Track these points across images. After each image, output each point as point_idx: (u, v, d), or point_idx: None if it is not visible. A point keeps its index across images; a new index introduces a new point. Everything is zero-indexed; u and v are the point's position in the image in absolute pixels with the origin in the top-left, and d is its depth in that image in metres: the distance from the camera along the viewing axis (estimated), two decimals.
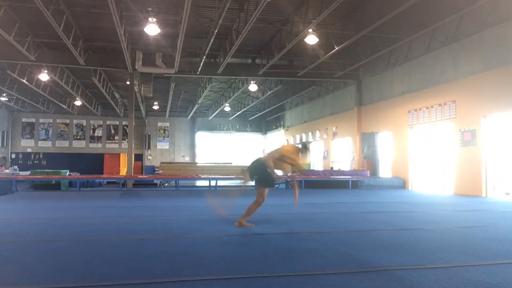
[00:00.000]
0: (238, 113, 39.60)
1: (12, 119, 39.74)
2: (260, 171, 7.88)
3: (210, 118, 42.69)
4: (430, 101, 18.69)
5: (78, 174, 24.81)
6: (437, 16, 15.70)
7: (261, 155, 8.88)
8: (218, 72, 22.45)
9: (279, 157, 7.99)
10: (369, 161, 23.42)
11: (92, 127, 42.23)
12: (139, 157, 40.97)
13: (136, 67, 21.57)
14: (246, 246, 5.99)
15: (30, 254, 5.45)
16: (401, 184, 20.56)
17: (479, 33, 16.06)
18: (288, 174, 9.42)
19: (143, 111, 38.04)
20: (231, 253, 5.45)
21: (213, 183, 21.29)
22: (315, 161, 31.82)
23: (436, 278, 4.22)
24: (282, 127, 40.50)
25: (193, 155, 44.33)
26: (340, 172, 22.49)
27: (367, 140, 23.94)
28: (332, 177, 21.85)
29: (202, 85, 29.76)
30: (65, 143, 41.31)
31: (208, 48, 18.80)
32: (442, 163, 18.40)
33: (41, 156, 40.43)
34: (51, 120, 40.98)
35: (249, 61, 23.97)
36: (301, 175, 8.85)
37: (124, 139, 41.22)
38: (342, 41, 18.15)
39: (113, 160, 41.65)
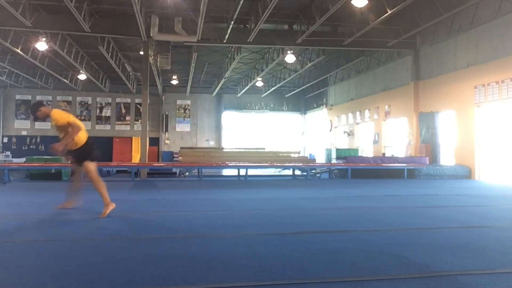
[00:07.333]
0: (273, 89, 39.99)
1: (3, 96, 40.34)
2: None
3: (239, 95, 43.26)
4: (500, 74, 18.85)
5: None
6: None
7: None
8: (248, 40, 22.83)
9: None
10: (428, 146, 23.69)
11: (99, 105, 42.87)
12: (155, 142, 41.56)
13: (151, 34, 21.82)
14: (282, 246, 6.08)
15: (25, 257, 5.50)
16: (466, 174, 20.86)
17: None
18: None
19: (159, 87, 38.78)
20: (264, 256, 5.53)
21: (242, 172, 21.77)
22: (364, 146, 32.30)
23: (508, 285, 4.30)
24: (324, 106, 40.86)
25: (219, 139, 44.89)
26: (393, 159, 22.86)
27: (425, 121, 24.21)
28: (384, 165, 22.29)
29: (229, 55, 30.01)
30: None
31: (237, 12, 19.12)
32: None
33: (38, 140, 40.88)
34: (50, 97, 41.32)
35: (286, 27, 24.33)
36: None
37: (137, 120, 41.91)
38: (396, 3, 18.30)
39: (124, 144, 41.87)
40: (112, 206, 8.87)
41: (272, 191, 15.26)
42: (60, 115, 9.01)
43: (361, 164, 22.41)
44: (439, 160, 23.40)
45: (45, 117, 9.11)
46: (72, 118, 8.99)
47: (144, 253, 5.66)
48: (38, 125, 40.43)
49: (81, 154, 9.02)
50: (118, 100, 42.97)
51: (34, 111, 9.10)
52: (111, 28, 23.19)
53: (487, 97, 19.70)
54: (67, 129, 8.80)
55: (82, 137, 8.99)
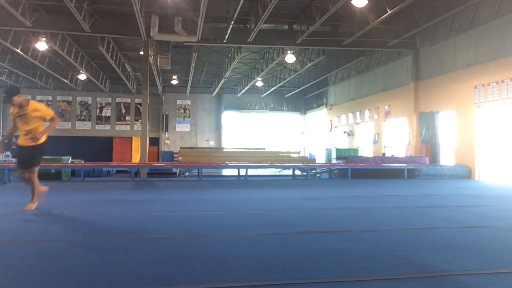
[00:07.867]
0: (273, 89, 40.03)
1: (3, 96, 40.04)
2: None
3: (239, 95, 43.31)
4: (500, 74, 18.86)
5: (83, 162, 25.21)
6: None
7: None
8: (248, 40, 22.87)
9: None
10: (428, 146, 23.71)
11: (99, 105, 42.93)
12: (155, 142, 41.60)
13: (151, 34, 21.86)
14: (282, 247, 6.06)
15: (25, 256, 5.47)
16: (466, 174, 20.87)
17: None
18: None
19: (159, 87, 38.85)
20: (264, 255, 5.52)
21: (242, 172, 21.77)
22: (364, 146, 32.31)
23: (508, 285, 4.28)
24: (324, 106, 40.88)
25: (219, 139, 44.95)
26: (393, 159, 22.88)
27: (425, 121, 24.23)
28: (384, 165, 22.29)
29: (229, 55, 30.08)
30: (67, 125, 41.64)
31: (237, 12, 19.15)
32: None
33: None
34: (50, 97, 41.47)
35: (286, 27, 24.37)
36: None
37: (137, 120, 41.97)
38: (396, 4, 18.33)
39: (124, 144, 42.11)
40: (34, 205, 9.24)
41: (272, 191, 15.26)
42: (44, 106, 9.33)
43: (361, 164, 22.42)
44: (439, 160, 23.41)
45: (19, 105, 8.96)
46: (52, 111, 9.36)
47: (144, 253, 5.63)
48: None
49: (37, 154, 9.14)
50: (118, 100, 43.04)
51: (13, 94, 8.95)
52: (111, 28, 23.23)
53: (487, 97, 19.71)
54: (39, 122, 9.04)
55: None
